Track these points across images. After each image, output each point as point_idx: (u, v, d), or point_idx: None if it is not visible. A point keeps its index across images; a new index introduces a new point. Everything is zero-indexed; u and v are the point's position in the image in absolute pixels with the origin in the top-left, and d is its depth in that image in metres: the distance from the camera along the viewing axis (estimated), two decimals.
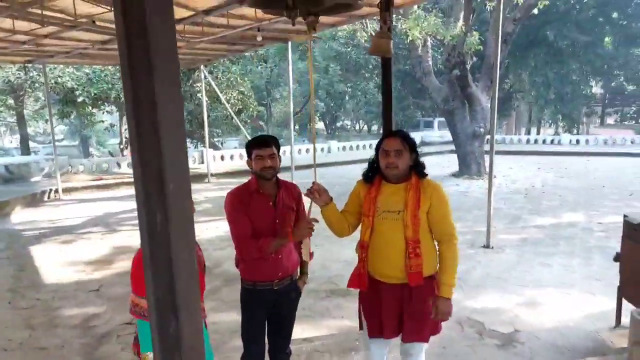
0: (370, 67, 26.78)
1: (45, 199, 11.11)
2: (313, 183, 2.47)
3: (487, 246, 6.25)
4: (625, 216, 3.82)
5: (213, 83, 13.03)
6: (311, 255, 2.65)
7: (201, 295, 2.15)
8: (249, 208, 2.43)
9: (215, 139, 18.74)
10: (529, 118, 33.50)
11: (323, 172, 14.79)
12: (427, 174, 2.48)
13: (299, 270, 2.73)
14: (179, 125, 0.94)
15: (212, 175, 13.64)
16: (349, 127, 38.11)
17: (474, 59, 13.10)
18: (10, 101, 16.93)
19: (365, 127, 37.70)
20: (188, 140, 18.87)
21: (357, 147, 20.62)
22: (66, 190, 11.43)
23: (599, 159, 17.17)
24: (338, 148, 21.02)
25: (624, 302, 3.85)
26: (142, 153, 0.92)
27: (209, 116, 16.09)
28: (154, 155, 0.91)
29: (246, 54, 14.81)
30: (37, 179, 12.81)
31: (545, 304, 4.40)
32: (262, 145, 2.43)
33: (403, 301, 2.43)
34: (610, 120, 35.95)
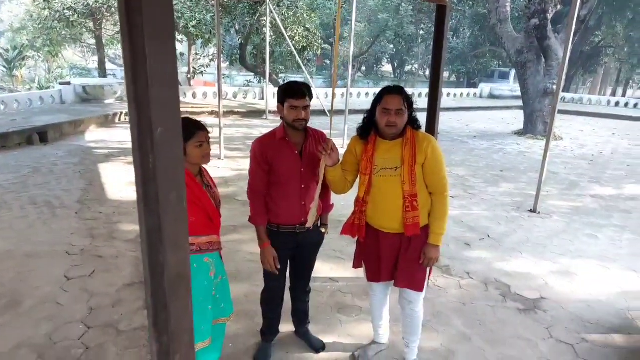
0: None
1: (117, 120, 11.91)
2: (328, 140, 2.44)
3: (533, 210, 6.06)
4: None
5: (277, 18, 12.91)
6: (331, 207, 2.82)
7: (217, 229, 2.33)
8: (275, 157, 2.45)
9: (279, 76, 18.81)
10: (617, 77, 30.54)
11: None
12: (420, 127, 2.51)
13: (319, 219, 2.77)
14: (171, 78, 1.03)
15: (270, 112, 13.86)
16: (417, 72, 36.71)
17: (559, 7, 11.96)
18: (90, 24, 17.74)
19: None
20: (251, 74, 19.10)
21: (420, 94, 19.92)
22: None
23: None
24: None
25: None
26: (137, 100, 1.03)
27: (273, 52, 16.09)
28: (146, 104, 1.01)
29: None
30: (110, 101, 13.67)
31: (580, 275, 4.30)
32: (297, 95, 2.35)
33: (401, 249, 2.54)
34: None
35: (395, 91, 2.39)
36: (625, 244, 5.15)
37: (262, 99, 15.38)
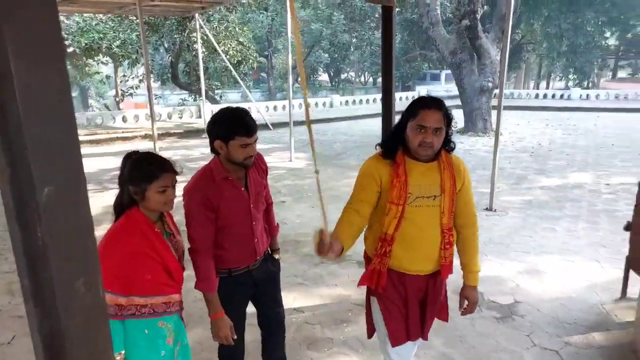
0: (377, 15, 25.71)
1: None
2: (321, 233, 1.85)
3: (489, 209, 6.02)
4: None
5: (209, 32, 12.45)
6: (276, 229, 2.50)
7: (179, 286, 1.91)
8: (221, 201, 2.06)
9: (216, 92, 18.26)
10: (538, 71, 32.51)
11: (324, 128, 14.46)
12: (454, 148, 2.10)
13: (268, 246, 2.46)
14: (59, 110, 0.66)
15: None
16: (353, 79, 37.22)
17: (485, 7, 12.39)
18: None
19: (371, 80, 36.79)
20: (186, 93, 18.45)
21: (361, 101, 20.07)
22: None
23: (610, 114, 16.65)
24: (341, 102, 20.51)
25: (632, 273, 3.66)
26: (8, 147, 0.65)
27: (207, 68, 15.55)
28: (21, 151, 0.64)
29: (244, 0, 14.09)
30: None
31: (548, 273, 4.22)
32: (250, 132, 1.98)
33: (427, 293, 2.15)
34: (622, 74, 34.81)
35: (434, 105, 1.92)
36: (582, 233, 5.18)
37: (200, 117, 14.75)
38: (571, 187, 7.15)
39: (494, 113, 9.77)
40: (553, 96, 22.00)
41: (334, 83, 32.77)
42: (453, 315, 3.51)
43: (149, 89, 7.60)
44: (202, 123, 13.63)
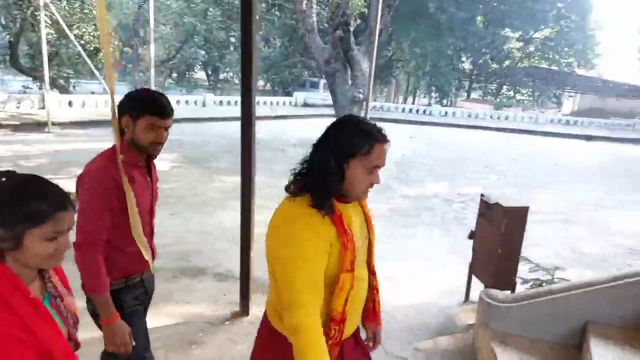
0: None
1: None
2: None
3: None
4: (482, 195, 3.83)
5: (56, 12, 11.01)
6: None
7: None
8: (122, 191, 1.77)
9: (70, 82, 16.38)
10: (406, 87, 35.25)
11: (196, 128, 13.78)
12: None
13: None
14: None
15: (54, 124, 11.74)
16: (232, 80, 36.49)
17: (358, 21, 12.93)
18: None
19: None
20: (29, 79, 16.30)
21: (236, 102, 19.61)
22: None
23: (464, 130, 18.58)
24: (214, 102, 19.91)
25: (474, 278, 3.93)
26: None
27: (56, 53, 13.89)
28: None
29: None
30: None
31: (404, 279, 4.37)
32: (163, 115, 1.79)
33: (355, 350, 1.69)
34: (475, 95, 39.37)
35: (386, 137, 1.46)
36: (436, 240, 5.52)
37: (43, 108, 12.92)
38: (429, 196, 7.68)
39: None
40: (417, 111, 24.00)
41: (211, 82, 31.70)
42: None
43: None
44: (44, 115, 11.98)
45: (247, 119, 3.11)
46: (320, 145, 1.43)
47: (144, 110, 1.78)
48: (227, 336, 3.19)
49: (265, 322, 1.60)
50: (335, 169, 1.39)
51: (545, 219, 6.45)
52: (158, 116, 1.79)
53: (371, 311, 1.72)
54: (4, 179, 1.12)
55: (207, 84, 31.77)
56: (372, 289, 1.67)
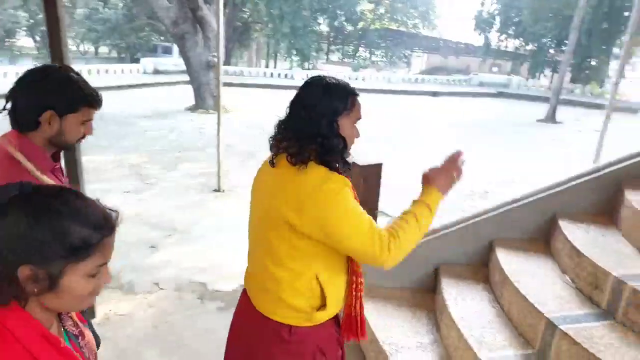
0: None
1: None
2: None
3: (218, 189, 5.83)
4: None
5: None
6: None
7: None
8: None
9: None
10: (267, 51, 34.74)
11: None
12: None
13: None
14: None
15: None
16: (70, 47, 32.26)
17: None
18: None
19: (93, 49, 32.70)
20: None
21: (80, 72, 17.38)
22: None
23: None
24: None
25: None
26: None
27: None
28: None
29: None
30: None
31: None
32: (100, 104, 1.53)
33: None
34: (334, 57, 40.39)
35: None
36: None
37: None
38: None
39: (223, 90, 9.70)
40: (279, 75, 23.78)
41: (41, 51, 27.44)
42: (169, 315, 3.14)
43: None
44: None
45: None
46: (304, 112, 1.42)
47: (80, 103, 1.46)
48: None
49: (262, 322, 1.49)
50: (334, 130, 1.41)
51: (403, 173, 6.83)
52: (95, 108, 1.52)
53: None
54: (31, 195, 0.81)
55: (37, 52, 27.45)
56: None
